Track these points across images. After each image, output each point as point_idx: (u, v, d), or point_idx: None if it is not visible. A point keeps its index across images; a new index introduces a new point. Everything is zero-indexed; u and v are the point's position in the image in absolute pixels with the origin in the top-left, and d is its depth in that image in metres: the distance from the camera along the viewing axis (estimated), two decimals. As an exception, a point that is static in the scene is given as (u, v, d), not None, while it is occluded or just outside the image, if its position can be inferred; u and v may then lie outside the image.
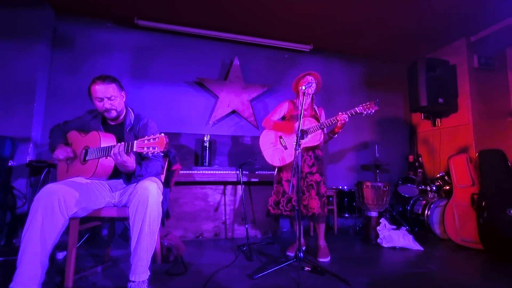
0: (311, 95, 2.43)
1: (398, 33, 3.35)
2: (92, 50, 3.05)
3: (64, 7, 2.90)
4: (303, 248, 2.45)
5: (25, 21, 2.73)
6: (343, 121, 2.20)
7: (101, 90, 1.64)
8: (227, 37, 3.34)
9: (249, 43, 3.47)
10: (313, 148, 2.36)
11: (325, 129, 2.31)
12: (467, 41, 3.40)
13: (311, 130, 2.28)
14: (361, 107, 2.19)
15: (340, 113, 2.20)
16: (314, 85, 2.37)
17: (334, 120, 2.21)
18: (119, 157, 1.46)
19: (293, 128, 2.31)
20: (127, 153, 1.47)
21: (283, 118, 2.51)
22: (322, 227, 2.36)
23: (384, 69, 4.04)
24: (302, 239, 2.45)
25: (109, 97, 1.66)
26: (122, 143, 1.48)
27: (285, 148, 2.36)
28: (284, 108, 2.50)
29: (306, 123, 2.32)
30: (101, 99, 1.65)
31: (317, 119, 2.37)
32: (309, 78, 2.37)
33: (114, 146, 1.49)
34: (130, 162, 1.53)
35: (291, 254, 2.33)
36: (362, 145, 3.84)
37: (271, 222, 2.99)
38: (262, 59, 3.60)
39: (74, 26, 3.03)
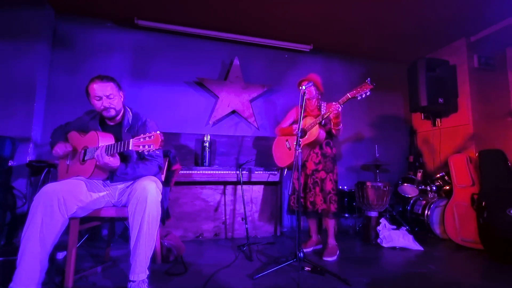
0: (314, 99, 2.45)
1: (398, 33, 3.35)
2: (92, 50, 3.05)
3: (64, 7, 2.90)
4: (319, 246, 2.52)
5: (25, 21, 2.73)
6: (335, 111, 2.16)
7: (100, 88, 1.64)
8: (227, 37, 3.34)
9: (249, 43, 3.47)
10: (319, 145, 2.38)
11: (323, 122, 2.31)
12: (467, 41, 3.39)
13: (309, 127, 2.33)
14: (352, 92, 2.11)
15: (332, 103, 2.18)
16: (311, 89, 2.39)
17: (327, 112, 2.22)
18: (101, 159, 1.49)
19: (293, 129, 2.40)
20: (112, 155, 1.51)
21: (293, 122, 2.56)
22: (330, 224, 2.39)
23: (384, 69, 4.03)
24: (317, 236, 2.55)
25: (108, 95, 1.66)
26: (104, 145, 1.51)
27: (289, 149, 2.46)
28: (292, 114, 2.61)
29: (307, 122, 2.37)
30: (100, 98, 1.65)
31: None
32: (303, 84, 2.39)
33: (114, 144, 1.49)
34: (113, 163, 1.54)
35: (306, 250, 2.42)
36: (362, 145, 3.84)
37: (271, 222, 2.99)
38: (262, 59, 3.60)
39: (74, 26, 3.03)
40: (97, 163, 1.53)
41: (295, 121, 2.54)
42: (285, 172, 2.76)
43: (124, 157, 1.70)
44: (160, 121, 3.00)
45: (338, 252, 2.32)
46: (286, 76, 3.65)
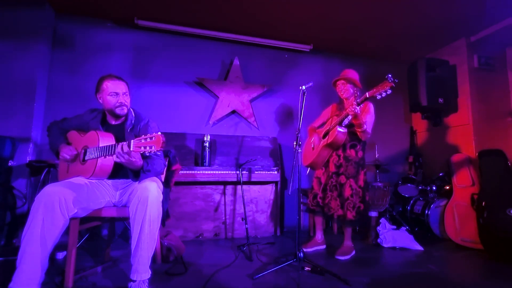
0: (351, 97, 2.36)
1: (398, 33, 3.35)
2: (92, 50, 3.05)
3: (64, 7, 2.90)
4: (323, 247, 2.50)
5: (25, 21, 2.73)
6: (351, 112, 2.05)
7: (116, 85, 1.69)
8: (227, 37, 3.33)
9: (249, 43, 3.47)
10: (342, 147, 2.31)
11: (345, 122, 2.22)
12: (467, 41, 3.39)
13: (331, 128, 2.31)
14: (372, 91, 1.94)
15: (353, 103, 2.07)
16: (348, 87, 2.34)
17: (345, 114, 2.15)
18: (126, 156, 1.46)
19: (319, 131, 2.47)
20: (128, 153, 1.47)
21: (323, 124, 2.56)
22: (347, 230, 2.37)
23: (384, 69, 4.00)
24: (322, 236, 2.53)
25: (124, 92, 1.71)
26: (125, 142, 1.48)
27: (313, 149, 2.47)
28: (326, 112, 2.58)
29: (333, 121, 2.37)
30: (116, 94, 1.68)
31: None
32: (339, 83, 2.38)
33: (114, 145, 1.49)
34: (138, 157, 1.54)
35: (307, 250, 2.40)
36: (362, 145, 3.83)
37: (271, 222, 2.99)
38: (262, 59, 3.60)
39: (74, 26, 3.03)
40: (119, 160, 1.47)
41: (326, 120, 2.53)
42: (308, 171, 2.79)
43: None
44: (160, 121, 2.99)
45: (353, 253, 2.30)
46: (286, 76, 3.65)
